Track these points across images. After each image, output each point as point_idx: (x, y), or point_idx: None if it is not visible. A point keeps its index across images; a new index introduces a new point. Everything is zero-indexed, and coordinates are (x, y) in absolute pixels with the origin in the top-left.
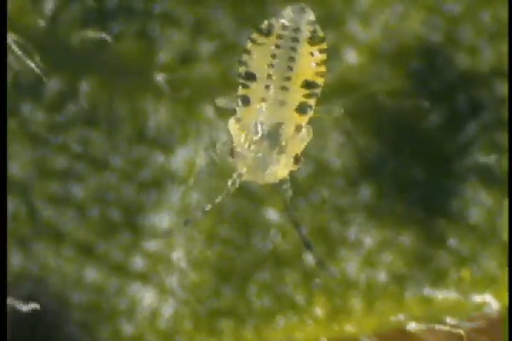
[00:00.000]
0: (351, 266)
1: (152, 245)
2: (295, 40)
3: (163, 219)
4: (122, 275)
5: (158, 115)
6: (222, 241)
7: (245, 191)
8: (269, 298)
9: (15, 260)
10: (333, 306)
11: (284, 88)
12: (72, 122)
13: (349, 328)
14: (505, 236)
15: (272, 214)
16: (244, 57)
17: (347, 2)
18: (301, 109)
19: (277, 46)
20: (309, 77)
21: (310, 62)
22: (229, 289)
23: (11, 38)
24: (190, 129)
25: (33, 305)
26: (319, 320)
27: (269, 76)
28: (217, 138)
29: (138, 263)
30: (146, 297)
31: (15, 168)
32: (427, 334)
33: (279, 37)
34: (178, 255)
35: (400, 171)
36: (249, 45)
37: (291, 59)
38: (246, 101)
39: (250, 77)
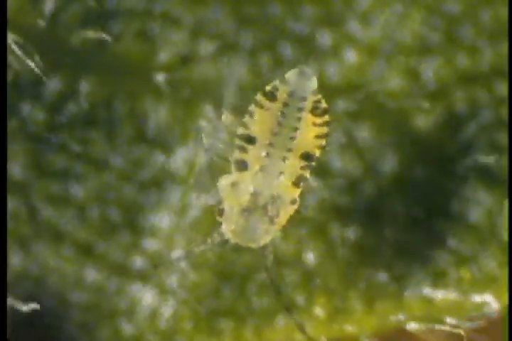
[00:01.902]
0: (351, 266)
1: (152, 245)
2: (301, 109)
3: (163, 219)
4: (122, 275)
5: (158, 115)
6: (222, 241)
7: None
8: (269, 298)
9: (15, 260)
10: (333, 306)
11: (283, 158)
12: (72, 122)
13: (349, 328)
14: (505, 236)
15: None
16: (247, 118)
17: (347, 2)
18: (298, 181)
19: (283, 114)
20: (309, 149)
21: (312, 134)
22: (229, 289)
23: (11, 38)
24: (190, 129)
25: (33, 305)
26: (319, 320)
27: (270, 144)
28: (218, 138)
29: (138, 263)
30: (146, 297)
31: (15, 168)
32: (427, 334)
33: (285, 104)
34: (178, 255)
35: (400, 171)
36: (252, 107)
37: (295, 129)
38: (243, 165)
39: (250, 140)
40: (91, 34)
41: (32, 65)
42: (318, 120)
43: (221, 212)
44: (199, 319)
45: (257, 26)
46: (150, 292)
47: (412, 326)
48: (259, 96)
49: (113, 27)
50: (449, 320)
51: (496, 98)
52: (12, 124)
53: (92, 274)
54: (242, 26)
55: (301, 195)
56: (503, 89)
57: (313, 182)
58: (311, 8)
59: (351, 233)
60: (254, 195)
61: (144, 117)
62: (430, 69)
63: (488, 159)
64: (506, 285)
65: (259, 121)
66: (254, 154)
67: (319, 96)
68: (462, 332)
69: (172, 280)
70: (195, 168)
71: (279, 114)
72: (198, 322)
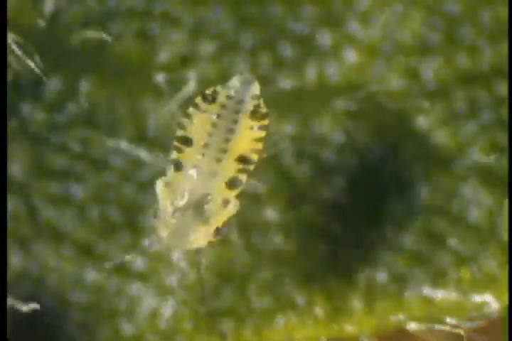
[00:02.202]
0: (351, 265)
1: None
2: (237, 111)
3: None
4: (122, 275)
5: (158, 115)
6: (223, 241)
7: (245, 191)
8: (269, 298)
9: (15, 260)
10: (333, 306)
11: (218, 159)
12: (72, 122)
13: (349, 328)
14: (505, 236)
15: (272, 215)
16: (184, 121)
17: (347, 2)
18: (232, 183)
19: (219, 116)
20: (245, 152)
21: (248, 137)
22: (229, 289)
23: (11, 38)
24: None
25: (33, 305)
26: (319, 320)
27: (206, 145)
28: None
29: (138, 263)
30: (146, 297)
31: (15, 168)
32: (427, 334)
33: (223, 106)
34: (178, 255)
35: (399, 171)
36: (191, 109)
37: (231, 131)
38: (178, 166)
39: (186, 142)
40: (91, 34)
41: (32, 65)
42: (257, 124)
43: (156, 215)
44: (199, 319)
45: (257, 26)
46: (150, 292)
47: (412, 326)
48: (198, 99)
49: (113, 27)
50: (449, 320)
51: (496, 98)
52: (12, 124)
53: (92, 274)
54: (242, 26)
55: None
56: (503, 89)
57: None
58: (311, 8)
59: (352, 233)
60: (188, 195)
61: (144, 117)
62: (430, 69)
63: (488, 159)
64: (506, 285)
65: (196, 123)
66: (189, 155)
67: (260, 100)
68: (462, 332)
69: (172, 280)
70: None
71: (216, 115)
72: (198, 322)
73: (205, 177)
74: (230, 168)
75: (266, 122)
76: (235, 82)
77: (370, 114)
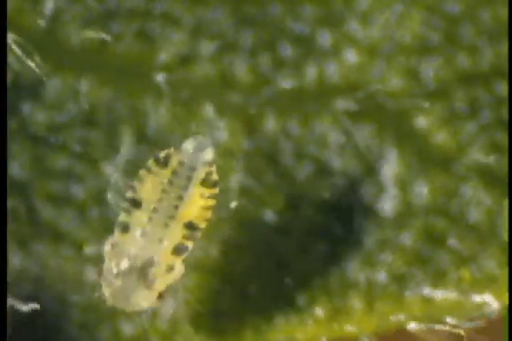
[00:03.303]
0: (351, 266)
1: None
2: (189, 179)
3: None
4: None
5: (158, 115)
6: (223, 241)
7: (245, 191)
8: (269, 298)
9: (15, 260)
10: (333, 306)
11: (165, 225)
12: (72, 122)
13: (349, 328)
14: (505, 236)
15: (272, 215)
16: (136, 183)
17: (347, 2)
18: (177, 249)
19: (170, 182)
20: (193, 219)
21: (198, 205)
22: (229, 289)
23: (11, 38)
24: (190, 129)
25: (33, 305)
26: (319, 320)
27: (154, 209)
28: (218, 138)
29: None
30: None
31: (15, 168)
32: (427, 334)
33: (174, 172)
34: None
35: (399, 171)
36: (142, 171)
37: (181, 198)
38: (125, 228)
39: (136, 204)
40: (91, 34)
41: (32, 65)
42: (207, 192)
43: (100, 273)
44: (199, 319)
45: (257, 26)
46: None
47: (412, 326)
48: (150, 162)
49: (113, 27)
50: (449, 320)
51: (496, 98)
52: (12, 124)
53: (92, 274)
54: (242, 26)
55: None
56: (503, 89)
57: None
58: (311, 8)
59: (351, 233)
60: (133, 258)
61: (144, 117)
62: (430, 69)
63: (488, 159)
64: (506, 285)
65: (147, 186)
66: (137, 218)
67: (213, 168)
68: (462, 332)
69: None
70: None
71: (167, 181)
72: (198, 322)
73: (151, 241)
74: (176, 234)
75: (216, 191)
76: (188, 145)
77: (370, 114)
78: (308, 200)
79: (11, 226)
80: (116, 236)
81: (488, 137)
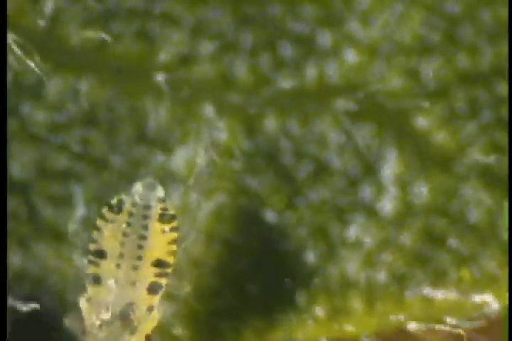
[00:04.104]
0: (351, 266)
1: None
2: (146, 217)
3: None
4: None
5: (158, 115)
6: (222, 241)
7: (245, 191)
8: (269, 298)
9: (15, 260)
10: (333, 306)
11: (135, 267)
12: (72, 122)
13: (349, 328)
14: (505, 236)
15: (272, 215)
16: (95, 234)
17: (347, 2)
18: (152, 289)
19: (128, 224)
20: (161, 255)
21: (161, 241)
22: (229, 289)
23: (11, 38)
24: (190, 129)
25: (33, 305)
26: (319, 320)
27: (120, 255)
28: (217, 138)
29: None
30: None
31: (15, 168)
32: (427, 334)
33: (130, 214)
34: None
35: (399, 171)
36: (99, 221)
37: (143, 237)
38: (97, 280)
39: (101, 255)
40: (91, 34)
41: (32, 65)
42: (167, 227)
43: (83, 331)
44: (199, 319)
45: (257, 26)
46: None
47: (412, 326)
48: (104, 210)
49: (113, 27)
50: (449, 320)
51: (496, 98)
52: (12, 124)
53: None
54: (242, 26)
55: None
56: (503, 89)
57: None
58: (311, 8)
59: (351, 233)
60: (112, 307)
61: (144, 117)
62: (430, 69)
63: (488, 159)
64: (506, 285)
65: (107, 234)
66: (106, 267)
67: (166, 203)
68: (462, 332)
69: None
70: (195, 168)
71: (125, 224)
72: (198, 322)
73: (125, 287)
74: (148, 274)
75: (175, 224)
76: (138, 187)
77: (370, 114)
78: (308, 200)
79: (11, 226)
80: (90, 289)
81: (488, 137)
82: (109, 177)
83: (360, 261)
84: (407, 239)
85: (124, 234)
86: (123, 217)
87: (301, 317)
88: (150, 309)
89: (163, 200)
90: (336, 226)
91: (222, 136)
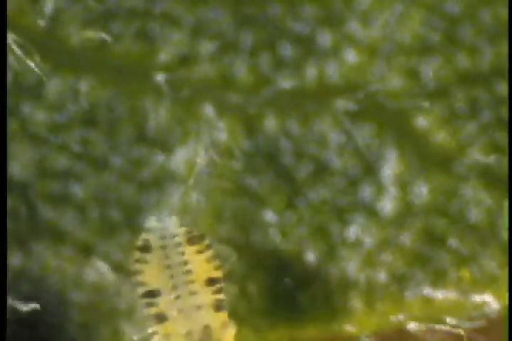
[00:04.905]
0: (351, 266)
1: None
2: (178, 245)
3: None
4: (122, 275)
5: (158, 115)
6: (223, 241)
7: (245, 191)
8: (269, 298)
9: (15, 260)
10: (333, 306)
11: (192, 293)
12: (72, 122)
13: (349, 328)
14: (505, 236)
15: (272, 215)
16: (138, 277)
17: (347, 2)
18: (217, 306)
19: (166, 257)
20: (209, 274)
21: (202, 261)
22: (229, 289)
23: (11, 38)
24: (190, 129)
25: (33, 305)
26: (319, 320)
27: (173, 286)
28: (217, 138)
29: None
30: None
31: (15, 168)
32: (427, 334)
33: (163, 248)
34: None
35: (399, 171)
36: (137, 266)
37: (185, 263)
38: (162, 317)
39: (154, 294)
40: (91, 34)
41: (32, 65)
42: (200, 247)
43: None
44: None
45: (257, 26)
46: None
47: (412, 326)
48: (136, 254)
49: (113, 27)
50: (449, 320)
51: (496, 98)
52: (12, 124)
53: (92, 274)
54: (242, 26)
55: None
56: (503, 89)
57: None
58: (311, 8)
59: (351, 233)
60: (187, 336)
61: (144, 117)
62: (430, 69)
63: (488, 159)
64: (506, 285)
65: (150, 274)
66: (165, 304)
67: (187, 228)
68: (462, 332)
69: None
70: (195, 168)
71: (163, 258)
72: None
73: (192, 314)
74: (206, 294)
75: (207, 242)
76: (152, 224)
77: (370, 114)
78: (308, 200)
79: (10, 226)
80: (159, 328)
81: (488, 137)
82: (109, 177)
83: (360, 261)
84: (407, 239)
85: (168, 267)
86: (157, 253)
87: (301, 317)
88: (224, 325)
89: (181, 225)
90: (336, 226)
91: (222, 136)
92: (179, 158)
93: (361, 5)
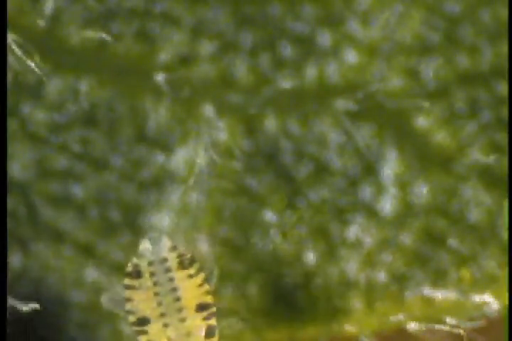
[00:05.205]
0: (351, 266)
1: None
2: (168, 270)
3: (163, 219)
4: (122, 275)
5: (158, 115)
6: (222, 241)
7: (245, 191)
8: (269, 297)
9: (15, 260)
10: (333, 306)
11: (182, 320)
12: (72, 122)
13: (349, 328)
14: (505, 236)
15: (272, 215)
16: (128, 305)
17: (347, 2)
18: (209, 333)
19: (155, 283)
20: (199, 299)
21: (192, 286)
22: (229, 289)
23: (11, 38)
24: (190, 129)
25: (33, 305)
26: (319, 320)
27: (162, 314)
28: (217, 138)
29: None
30: None
31: (15, 168)
32: (427, 334)
33: (152, 274)
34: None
35: (399, 171)
36: (127, 293)
37: (174, 290)
38: None
39: (144, 322)
40: (91, 34)
41: (32, 64)
42: (191, 271)
43: None
44: None
45: (257, 26)
46: None
47: (412, 326)
48: (126, 281)
49: (113, 27)
50: (449, 320)
51: (496, 98)
52: (12, 124)
53: (92, 274)
54: (242, 26)
55: None
56: (503, 89)
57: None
58: (311, 8)
59: (351, 233)
60: None
61: (144, 117)
62: (430, 69)
63: (488, 159)
64: (506, 285)
65: (140, 300)
66: (155, 331)
67: (179, 250)
68: (462, 332)
69: None
70: (195, 168)
71: (151, 284)
72: None
73: (182, 340)
74: (197, 321)
75: (198, 265)
76: (145, 246)
77: (370, 114)
78: (308, 200)
79: (11, 227)
80: None
81: (488, 137)
82: (109, 178)
83: (360, 261)
84: (407, 239)
85: (156, 294)
86: (146, 280)
87: (301, 317)
88: None
89: (173, 248)
90: (336, 226)
91: (222, 136)
92: (179, 158)
93: (361, 5)
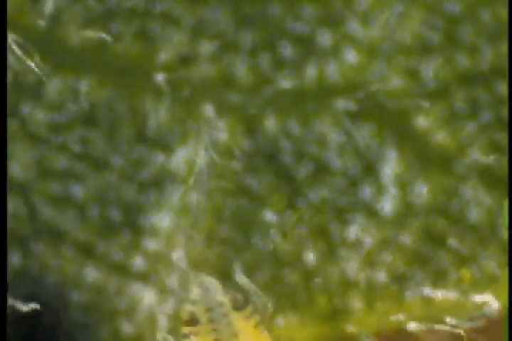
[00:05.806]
0: (351, 265)
1: (152, 245)
2: (225, 315)
3: (163, 219)
4: (122, 275)
5: (158, 115)
6: (222, 241)
7: (245, 191)
8: (269, 297)
9: (15, 260)
10: (333, 306)
11: None
12: (72, 122)
13: (349, 328)
14: (505, 236)
15: (272, 215)
16: None
17: (347, 2)
18: None
19: (214, 330)
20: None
21: (250, 327)
22: (228, 289)
23: (11, 38)
24: (191, 129)
25: (33, 305)
26: (319, 320)
27: None
28: (217, 138)
29: (138, 263)
30: (146, 297)
31: (15, 168)
32: (427, 334)
33: (210, 321)
34: (178, 255)
35: (399, 171)
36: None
37: (235, 335)
38: None
39: None
40: (91, 34)
41: (32, 64)
42: (246, 312)
43: None
44: None
45: (257, 26)
46: (150, 292)
47: (412, 326)
48: (185, 329)
49: (113, 27)
50: (449, 320)
51: (496, 98)
52: (12, 124)
53: (92, 274)
54: (242, 26)
55: None
56: (503, 89)
57: None
58: (311, 8)
59: (351, 233)
60: None
61: (144, 117)
62: (430, 69)
63: (488, 159)
64: (506, 285)
65: None
66: None
67: (231, 292)
68: (462, 332)
69: (172, 280)
70: (195, 168)
71: (211, 332)
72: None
73: None
74: None
75: (251, 308)
76: (197, 291)
77: (370, 114)
78: (308, 200)
79: (11, 226)
80: None
81: (488, 137)
82: (109, 178)
83: (360, 261)
84: (407, 239)
85: (217, 340)
86: (205, 326)
87: (301, 317)
88: None
89: (225, 291)
90: (336, 226)
91: (222, 136)
92: (179, 158)
93: (361, 5)
